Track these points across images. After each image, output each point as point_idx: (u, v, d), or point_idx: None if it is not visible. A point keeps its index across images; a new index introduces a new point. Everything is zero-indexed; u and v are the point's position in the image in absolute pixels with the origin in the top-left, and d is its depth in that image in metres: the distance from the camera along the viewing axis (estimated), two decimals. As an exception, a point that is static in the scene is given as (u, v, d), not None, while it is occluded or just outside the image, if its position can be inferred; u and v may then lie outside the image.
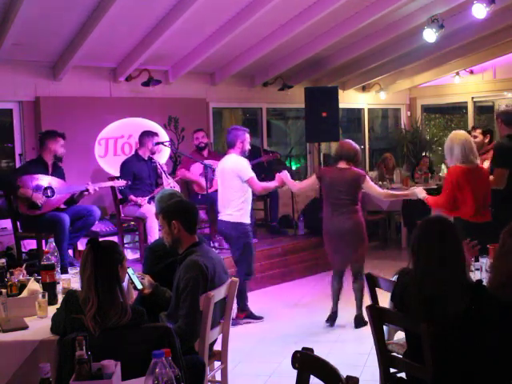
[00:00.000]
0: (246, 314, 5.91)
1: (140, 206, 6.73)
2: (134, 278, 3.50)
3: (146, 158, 7.05)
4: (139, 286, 3.50)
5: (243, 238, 5.77)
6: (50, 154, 6.17)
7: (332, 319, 5.71)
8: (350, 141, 5.82)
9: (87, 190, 6.21)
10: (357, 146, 5.73)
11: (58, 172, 6.26)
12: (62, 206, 6.23)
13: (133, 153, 7.34)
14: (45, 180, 6.05)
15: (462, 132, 5.21)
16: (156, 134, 7.14)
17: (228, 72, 8.61)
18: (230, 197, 5.77)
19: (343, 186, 5.50)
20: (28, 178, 5.95)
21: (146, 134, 7.07)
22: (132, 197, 6.76)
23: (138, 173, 6.90)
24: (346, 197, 5.50)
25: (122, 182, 6.62)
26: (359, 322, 5.60)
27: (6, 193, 6.18)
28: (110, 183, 6.63)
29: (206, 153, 7.76)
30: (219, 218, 5.93)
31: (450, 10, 7.57)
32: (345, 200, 5.50)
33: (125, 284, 3.18)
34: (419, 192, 5.36)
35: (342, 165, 5.60)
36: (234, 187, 5.75)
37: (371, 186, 5.64)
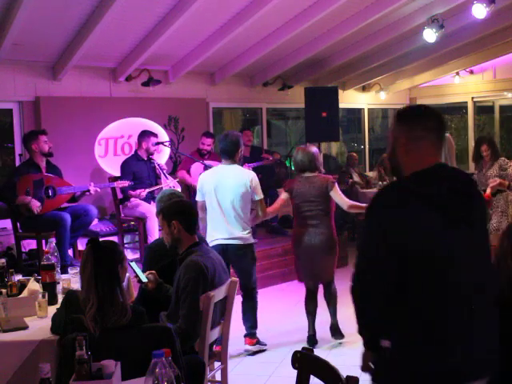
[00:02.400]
0: (256, 340, 5.18)
1: (140, 197, 6.70)
2: (139, 272, 3.52)
3: (146, 158, 7.05)
4: (144, 279, 3.51)
5: (254, 260, 5.14)
6: (37, 154, 6.13)
7: (312, 342, 5.20)
8: (306, 146, 5.50)
9: (88, 191, 6.22)
10: (312, 150, 5.30)
11: (52, 171, 6.24)
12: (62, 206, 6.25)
13: (132, 153, 7.35)
14: (45, 180, 6.04)
15: None
16: (154, 135, 7.12)
17: (228, 72, 8.61)
18: (239, 215, 4.93)
19: (313, 195, 5.13)
20: (26, 178, 5.95)
21: (142, 135, 7.06)
22: (131, 192, 6.75)
23: (138, 173, 6.91)
24: (318, 207, 5.14)
25: (124, 183, 6.62)
26: (335, 332, 5.28)
27: (4, 203, 6.20)
28: (113, 184, 6.62)
29: (206, 156, 7.78)
30: (222, 243, 4.90)
31: (450, 10, 7.58)
32: (317, 211, 5.14)
33: (125, 284, 3.19)
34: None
35: (308, 173, 5.20)
36: (247, 205, 5.01)
37: (338, 195, 5.19)
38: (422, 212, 2.07)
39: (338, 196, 5.20)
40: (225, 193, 4.92)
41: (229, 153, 4.99)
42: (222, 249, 4.77)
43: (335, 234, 5.26)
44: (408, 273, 2.06)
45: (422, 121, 2.17)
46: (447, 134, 5.24)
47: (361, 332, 2.18)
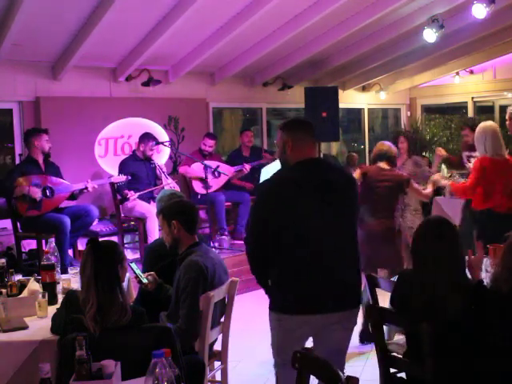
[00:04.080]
0: None
1: (128, 199, 6.72)
2: (138, 272, 3.53)
3: (144, 158, 7.06)
4: (144, 280, 3.52)
5: None
6: (37, 151, 6.15)
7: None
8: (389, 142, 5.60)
9: (86, 188, 6.23)
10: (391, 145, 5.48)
11: (51, 169, 6.24)
12: (61, 205, 6.25)
13: (131, 153, 7.36)
14: (44, 180, 6.05)
15: (494, 124, 5.27)
16: (153, 139, 7.13)
17: (228, 72, 8.60)
18: None
19: (384, 189, 5.13)
20: (25, 179, 5.95)
21: (142, 137, 7.11)
22: (126, 191, 6.77)
23: (136, 172, 6.92)
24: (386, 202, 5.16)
25: (122, 178, 6.63)
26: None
27: (3, 196, 6.20)
28: (110, 179, 6.63)
29: (207, 156, 7.79)
30: None
31: (450, 10, 7.57)
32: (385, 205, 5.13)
33: (125, 284, 3.19)
34: (439, 179, 5.32)
35: (384, 165, 5.25)
36: None
37: (416, 189, 5.38)
38: (293, 191, 2.96)
39: (418, 190, 5.38)
40: None
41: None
42: None
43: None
44: (283, 235, 2.95)
45: (302, 128, 3.20)
46: (492, 123, 5.42)
47: (253, 273, 3.15)
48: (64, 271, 4.17)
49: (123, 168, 6.89)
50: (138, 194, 6.78)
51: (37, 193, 5.91)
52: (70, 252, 6.27)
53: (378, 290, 3.76)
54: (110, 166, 7.46)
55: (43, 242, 5.97)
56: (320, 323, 3.01)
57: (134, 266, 3.54)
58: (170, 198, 3.90)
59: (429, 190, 5.57)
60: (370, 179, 5.18)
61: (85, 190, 6.26)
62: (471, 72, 10.95)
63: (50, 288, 3.52)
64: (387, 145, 5.40)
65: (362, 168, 5.46)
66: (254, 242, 3.06)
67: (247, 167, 7.87)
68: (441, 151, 6.66)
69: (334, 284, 2.99)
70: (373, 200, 5.09)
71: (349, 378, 2.12)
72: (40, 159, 6.17)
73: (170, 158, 8.15)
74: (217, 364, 3.89)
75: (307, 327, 3.03)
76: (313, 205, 2.98)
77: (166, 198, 3.97)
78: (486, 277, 3.59)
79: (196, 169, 7.54)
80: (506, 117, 6.22)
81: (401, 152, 6.76)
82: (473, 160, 5.73)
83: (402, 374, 3.32)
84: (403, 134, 7.50)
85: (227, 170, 7.64)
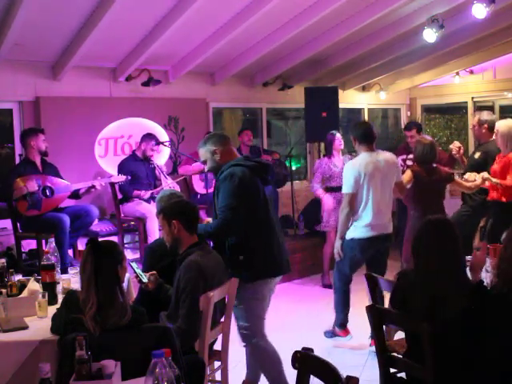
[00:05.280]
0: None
1: (143, 199, 6.76)
2: (139, 272, 3.53)
3: (143, 158, 7.06)
4: (145, 280, 3.52)
5: None
6: (34, 151, 6.15)
7: None
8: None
9: (93, 187, 6.23)
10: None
11: (49, 169, 6.23)
12: (62, 205, 6.24)
13: (130, 153, 7.36)
14: (43, 180, 6.05)
15: None
16: (155, 139, 7.15)
17: (228, 72, 8.60)
18: (389, 203, 5.13)
19: (439, 186, 5.30)
20: (24, 179, 5.95)
21: (144, 137, 7.12)
22: (136, 192, 6.79)
23: (136, 172, 6.93)
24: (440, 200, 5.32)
25: (121, 178, 6.63)
26: None
27: (2, 200, 6.21)
28: (111, 179, 6.63)
29: None
30: (386, 233, 5.09)
31: (450, 10, 7.56)
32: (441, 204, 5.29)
33: (125, 284, 3.19)
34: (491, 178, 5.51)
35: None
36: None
37: (460, 183, 5.57)
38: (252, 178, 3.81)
39: (462, 184, 5.60)
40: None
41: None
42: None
43: None
44: (249, 212, 3.77)
45: (222, 138, 4.00)
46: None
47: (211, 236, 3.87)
48: (64, 271, 4.17)
49: (122, 168, 6.90)
50: (149, 192, 6.80)
51: (33, 186, 5.90)
52: (70, 252, 6.27)
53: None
54: (110, 166, 7.46)
55: (43, 242, 5.98)
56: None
57: (134, 265, 3.55)
58: (170, 198, 3.90)
59: (478, 181, 5.67)
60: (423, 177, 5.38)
61: (92, 189, 6.27)
62: (471, 72, 10.94)
63: (50, 288, 3.52)
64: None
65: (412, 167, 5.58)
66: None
67: None
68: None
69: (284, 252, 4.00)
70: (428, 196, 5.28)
71: (349, 378, 2.12)
72: (37, 160, 6.17)
73: (170, 157, 8.15)
74: (217, 364, 3.89)
75: (271, 288, 3.95)
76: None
77: (165, 198, 3.97)
78: (486, 277, 3.59)
79: (196, 168, 7.55)
80: (474, 122, 6.32)
81: (339, 150, 7.18)
82: (410, 163, 5.86)
83: (402, 374, 3.32)
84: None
85: None
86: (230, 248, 3.82)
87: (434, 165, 5.47)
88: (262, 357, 3.97)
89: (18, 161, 7.03)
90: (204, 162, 4.02)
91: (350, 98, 10.89)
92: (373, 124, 5.48)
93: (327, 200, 7.01)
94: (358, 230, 4.98)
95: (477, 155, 6.26)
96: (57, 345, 2.88)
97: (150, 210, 6.59)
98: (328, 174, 7.05)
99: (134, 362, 2.59)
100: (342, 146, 7.23)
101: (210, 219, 4.13)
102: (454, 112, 12.18)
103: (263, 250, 3.83)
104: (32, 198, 5.91)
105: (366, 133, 5.15)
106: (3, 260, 3.95)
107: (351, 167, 5.05)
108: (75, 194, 6.30)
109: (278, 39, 7.49)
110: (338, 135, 7.23)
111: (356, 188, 4.93)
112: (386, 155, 5.20)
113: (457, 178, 5.57)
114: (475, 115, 6.48)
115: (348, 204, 4.94)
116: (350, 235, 5.02)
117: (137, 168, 6.95)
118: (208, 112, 8.87)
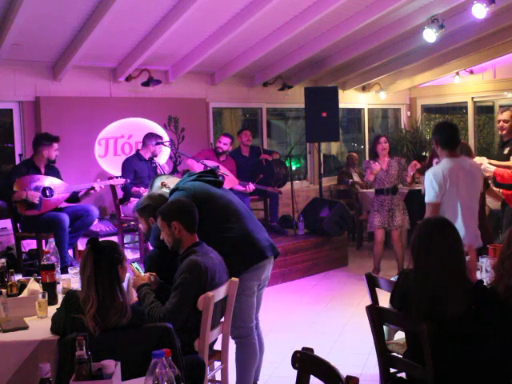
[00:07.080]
0: None
1: (141, 195, 6.76)
2: (141, 272, 3.54)
3: (147, 159, 7.09)
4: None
5: None
6: (42, 158, 6.15)
7: None
8: None
9: (93, 188, 6.22)
10: None
11: (51, 172, 6.23)
12: (61, 206, 6.24)
13: (134, 152, 7.38)
14: (43, 180, 6.05)
15: None
16: (160, 137, 7.19)
17: (228, 72, 8.60)
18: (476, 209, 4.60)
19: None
20: (24, 179, 5.95)
21: (150, 136, 7.15)
22: (135, 188, 6.81)
23: (139, 171, 6.97)
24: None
25: (121, 181, 6.64)
26: None
27: (2, 201, 6.21)
28: (110, 181, 6.64)
29: (223, 157, 7.79)
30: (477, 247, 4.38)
31: (450, 10, 7.57)
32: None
33: (125, 284, 3.19)
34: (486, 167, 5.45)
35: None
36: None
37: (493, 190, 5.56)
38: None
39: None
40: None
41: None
42: None
43: None
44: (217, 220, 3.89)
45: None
46: None
47: None
48: (64, 271, 4.17)
49: (127, 166, 6.95)
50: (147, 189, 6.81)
51: (36, 197, 5.90)
52: (70, 252, 6.27)
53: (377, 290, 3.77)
54: (110, 166, 7.47)
55: (43, 242, 5.98)
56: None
57: (135, 265, 3.55)
58: (162, 199, 3.90)
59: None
60: None
61: (91, 191, 6.26)
62: (471, 72, 10.95)
63: (50, 288, 3.52)
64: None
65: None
66: None
67: (251, 187, 7.74)
68: (416, 164, 7.04)
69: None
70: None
71: (349, 377, 2.12)
72: (42, 166, 6.16)
73: (170, 157, 8.15)
74: (217, 364, 3.89)
75: (261, 277, 3.98)
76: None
77: (155, 199, 3.95)
78: (486, 277, 3.59)
79: (196, 168, 7.55)
80: (506, 117, 6.26)
81: (385, 153, 7.26)
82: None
83: (402, 374, 3.32)
84: (384, 135, 7.92)
85: (232, 181, 7.61)
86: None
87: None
88: (248, 354, 3.95)
89: (18, 161, 7.03)
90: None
91: (350, 98, 10.90)
92: (454, 126, 4.81)
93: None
94: None
95: (506, 151, 6.22)
96: (57, 345, 2.88)
97: (149, 210, 6.59)
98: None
99: (134, 361, 2.59)
100: (388, 150, 7.31)
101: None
102: (454, 112, 12.18)
103: (242, 239, 3.86)
104: (31, 203, 5.90)
105: (449, 137, 4.54)
106: (3, 260, 3.95)
107: (432, 174, 4.46)
108: (74, 198, 6.29)
109: (278, 39, 7.50)
110: (383, 139, 7.31)
111: (439, 197, 4.39)
112: (470, 160, 4.77)
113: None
114: (501, 111, 6.39)
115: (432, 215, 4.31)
116: None
117: (140, 167, 7.03)
118: (208, 112, 8.87)
